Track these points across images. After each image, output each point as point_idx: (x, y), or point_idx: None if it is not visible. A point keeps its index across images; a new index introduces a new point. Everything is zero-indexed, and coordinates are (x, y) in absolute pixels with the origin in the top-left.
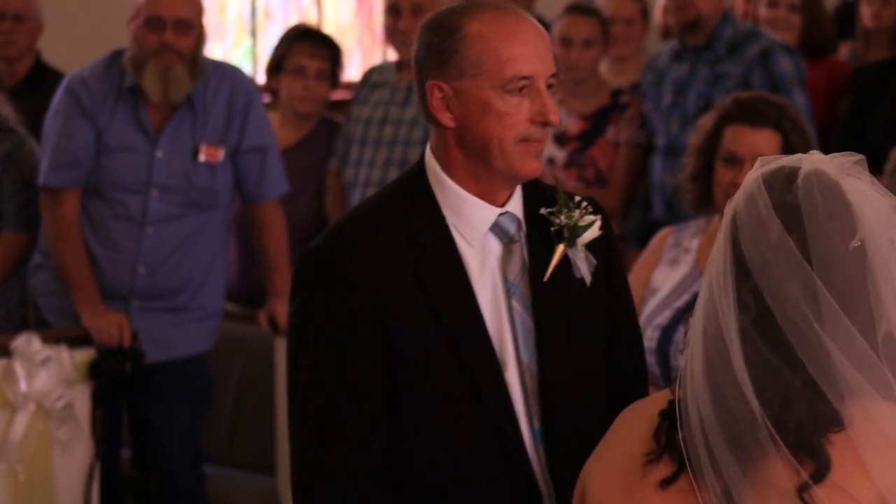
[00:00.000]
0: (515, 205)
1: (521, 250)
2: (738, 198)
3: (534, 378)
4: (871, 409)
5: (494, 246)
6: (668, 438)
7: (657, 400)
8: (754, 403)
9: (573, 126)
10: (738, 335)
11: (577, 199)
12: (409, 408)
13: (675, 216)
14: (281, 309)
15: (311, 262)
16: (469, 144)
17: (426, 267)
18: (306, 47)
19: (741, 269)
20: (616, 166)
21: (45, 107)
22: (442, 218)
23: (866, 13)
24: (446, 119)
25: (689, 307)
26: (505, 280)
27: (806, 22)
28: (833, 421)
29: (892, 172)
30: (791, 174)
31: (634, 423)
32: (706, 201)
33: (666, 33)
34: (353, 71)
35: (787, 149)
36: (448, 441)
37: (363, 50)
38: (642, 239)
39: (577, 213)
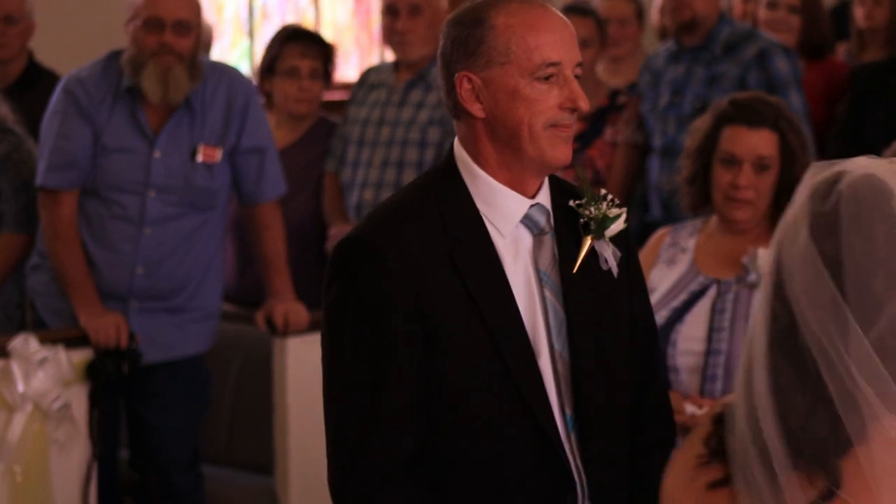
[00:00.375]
0: (544, 197)
1: (551, 242)
2: (793, 200)
3: (566, 366)
4: (887, 428)
5: (525, 237)
6: (719, 443)
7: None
8: (772, 414)
9: None
10: (766, 344)
11: (603, 192)
12: (445, 396)
13: (672, 217)
14: (279, 309)
15: (348, 251)
16: (500, 134)
17: (462, 256)
18: (297, 48)
19: (777, 276)
20: (613, 167)
21: (39, 108)
22: (475, 209)
23: (859, 14)
24: (476, 110)
25: (685, 307)
26: (537, 270)
27: (804, 23)
28: (850, 439)
29: None
30: (834, 179)
31: (705, 422)
32: (703, 203)
33: (663, 34)
34: (350, 72)
35: (785, 149)
36: (483, 428)
37: (361, 50)
38: (640, 239)
39: (604, 205)
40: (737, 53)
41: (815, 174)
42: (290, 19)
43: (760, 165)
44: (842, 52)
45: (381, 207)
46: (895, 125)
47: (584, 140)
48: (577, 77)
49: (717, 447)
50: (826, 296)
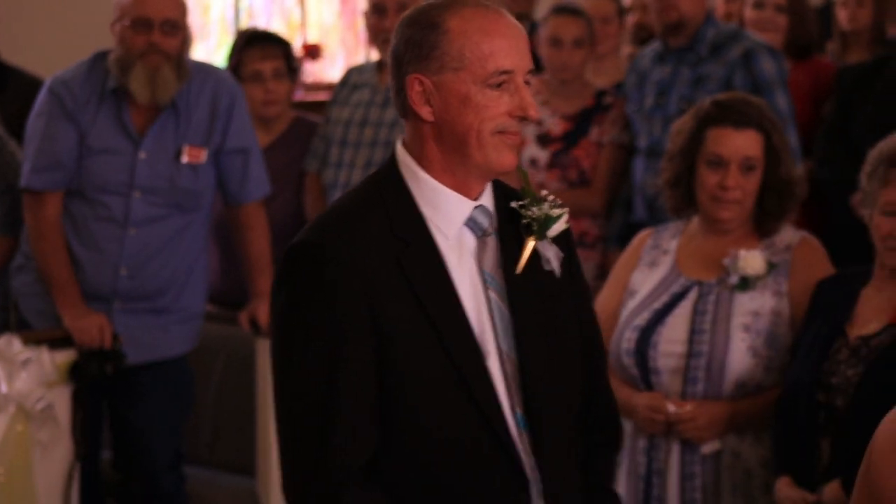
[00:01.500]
0: (487, 199)
1: (494, 243)
2: None
3: (514, 366)
4: None
5: (469, 239)
6: None
7: None
8: None
9: (557, 127)
10: None
11: (544, 192)
12: (397, 399)
13: (656, 218)
14: (263, 310)
15: (293, 257)
16: (447, 138)
17: (408, 260)
18: (257, 51)
19: None
20: (599, 167)
21: (9, 108)
22: (419, 212)
23: (842, 15)
24: (425, 112)
25: (667, 309)
26: (482, 272)
27: (791, 22)
28: None
29: (871, 175)
30: None
31: None
32: (687, 205)
33: (638, 36)
34: (336, 72)
35: (770, 149)
36: (434, 430)
37: (347, 51)
38: (624, 240)
39: (545, 206)
40: (722, 54)
41: None
42: (276, 20)
43: (747, 166)
44: (830, 51)
45: (327, 213)
46: (881, 126)
47: (570, 140)
48: (526, 83)
49: None
50: None
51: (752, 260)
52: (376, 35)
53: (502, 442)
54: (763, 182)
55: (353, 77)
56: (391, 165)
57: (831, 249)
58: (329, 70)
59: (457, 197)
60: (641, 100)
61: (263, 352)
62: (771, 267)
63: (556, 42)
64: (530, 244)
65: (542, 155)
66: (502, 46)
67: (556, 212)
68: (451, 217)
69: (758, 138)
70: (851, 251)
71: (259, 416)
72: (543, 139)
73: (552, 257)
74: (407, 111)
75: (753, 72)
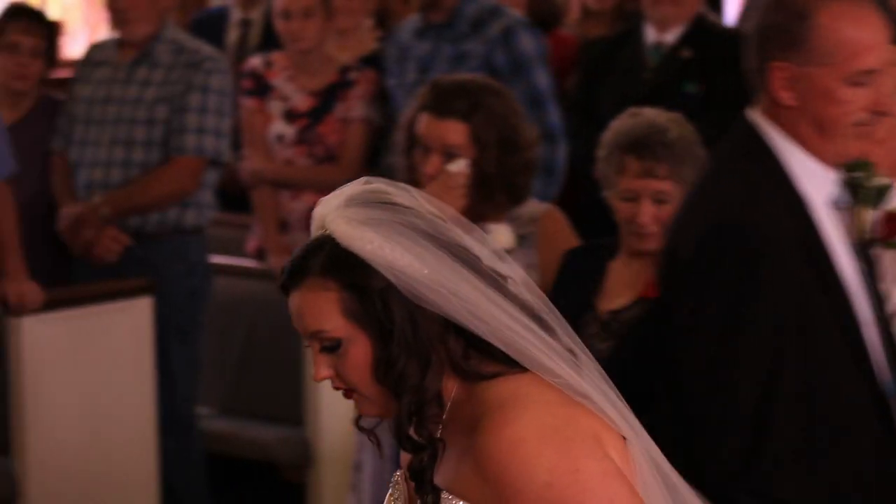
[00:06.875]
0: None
1: (847, 214)
2: None
3: (881, 333)
4: None
5: (829, 213)
6: None
7: None
8: None
9: (302, 103)
10: None
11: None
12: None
13: None
14: (13, 289)
15: (725, 239)
16: (806, 122)
17: (808, 233)
18: (21, 25)
19: None
20: (346, 143)
21: None
22: (797, 188)
23: None
24: (786, 98)
25: None
26: (851, 244)
27: None
28: None
29: (606, 160)
30: None
31: None
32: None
33: (381, 17)
34: (78, 49)
35: (476, 139)
36: (832, 395)
37: (89, 28)
38: None
39: (878, 177)
40: (482, 31)
41: None
42: None
43: (448, 154)
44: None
45: (724, 189)
46: (624, 100)
47: (314, 116)
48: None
49: None
50: None
51: (500, 234)
52: (111, 14)
53: (884, 408)
54: (473, 171)
55: (96, 54)
56: (751, 138)
57: (581, 224)
58: (71, 47)
59: (824, 173)
60: (403, 74)
61: (14, 330)
62: (519, 240)
63: (285, 14)
64: (870, 213)
65: (289, 131)
66: (870, 45)
67: (884, 181)
68: (822, 191)
69: (460, 128)
70: (600, 226)
71: (13, 395)
72: (289, 115)
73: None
74: (765, 91)
75: (514, 50)
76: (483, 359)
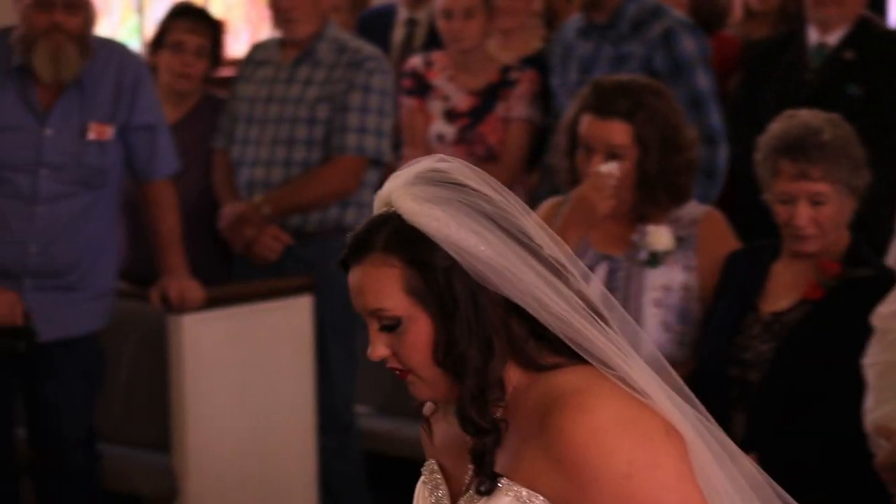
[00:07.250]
0: None
1: None
2: None
3: None
4: None
5: None
6: None
7: None
8: None
9: (463, 102)
10: None
11: None
12: None
13: None
14: (174, 286)
15: None
16: None
17: None
18: (187, 23)
19: None
20: (507, 143)
21: None
22: None
23: None
24: None
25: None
26: None
27: None
28: None
29: (762, 163)
30: None
31: None
32: (574, 181)
33: (548, 17)
34: (240, 48)
35: (639, 139)
36: None
37: (251, 27)
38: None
39: None
40: (643, 32)
41: None
42: None
43: (611, 154)
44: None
45: None
46: (787, 102)
47: (475, 116)
48: None
49: None
50: None
51: (660, 235)
52: (275, 14)
53: None
54: (636, 171)
55: (258, 54)
56: None
57: (740, 226)
58: (233, 46)
59: None
60: (566, 74)
61: (175, 328)
62: (679, 241)
63: (447, 14)
64: None
65: (449, 131)
66: None
67: None
68: None
69: (623, 128)
70: (760, 228)
71: (172, 392)
72: (450, 115)
73: None
74: None
75: (673, 52)
76: (544, 348)
